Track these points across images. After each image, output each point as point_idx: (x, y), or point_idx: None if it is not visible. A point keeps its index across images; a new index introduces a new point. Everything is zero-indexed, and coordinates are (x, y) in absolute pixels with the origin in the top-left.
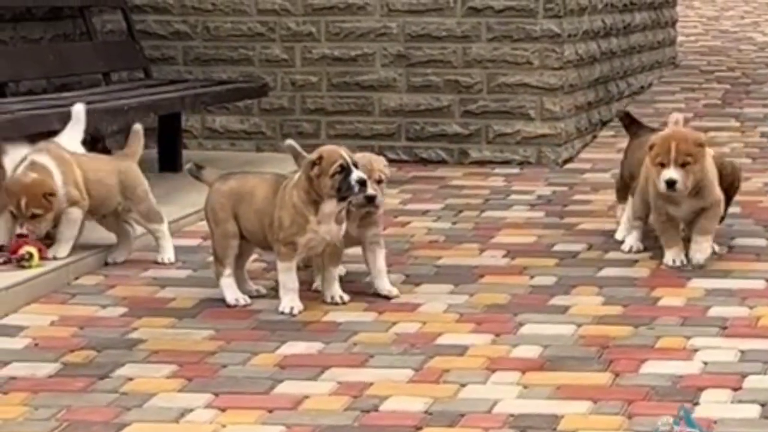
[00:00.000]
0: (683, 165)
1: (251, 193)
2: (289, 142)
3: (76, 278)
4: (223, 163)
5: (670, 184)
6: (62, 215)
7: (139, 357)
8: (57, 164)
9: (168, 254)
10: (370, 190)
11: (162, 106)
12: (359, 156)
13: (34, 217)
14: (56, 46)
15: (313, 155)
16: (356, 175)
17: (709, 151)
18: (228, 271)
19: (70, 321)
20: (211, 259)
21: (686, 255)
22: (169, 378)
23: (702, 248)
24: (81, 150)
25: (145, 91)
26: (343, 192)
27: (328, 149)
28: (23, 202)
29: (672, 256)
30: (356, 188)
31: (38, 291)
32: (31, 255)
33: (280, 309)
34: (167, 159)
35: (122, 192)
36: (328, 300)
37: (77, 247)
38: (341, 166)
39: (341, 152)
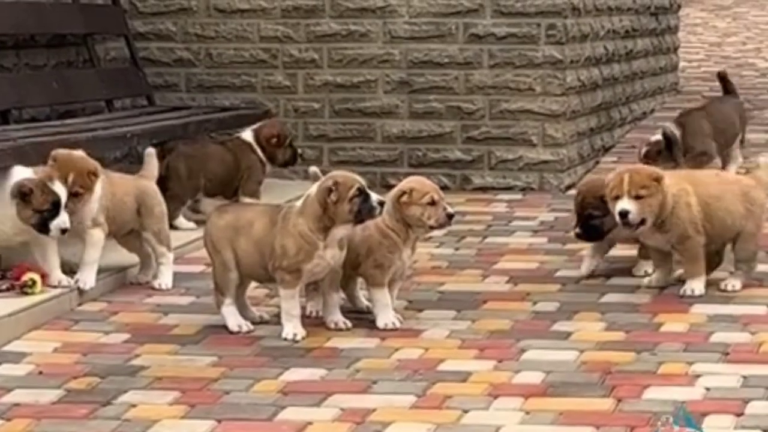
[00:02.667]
0: (637, 197)
1: (249, 226)
2: (313, 169)
3: (79, 305)
4: None
5: (623, 215)
6: (85, 237)
7: (142, 383)
8: (102, 182)
9: (165, 280)
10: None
11: (165, 132)
12: (409, 179)
13: (76, 195)
14: (59, 73)
15: (328, 182)
16: (375, 197)
17: (688, 190)
18: (229, 299)
19: (74, 347)
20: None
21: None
22: (172, 404)
23: (692, 288)
24: None
25: (148, 118)
26: (363, 214)
27: (340, 174)
28: (71, 178)
29: (656, 277)
30: (378, 210)
31: (41, 317)
32: (33, 281)
33: (283, 335)
34: None
35: (139, 211)
36: (331, 326)
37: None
38: (359, 189)
39: (355, 176)
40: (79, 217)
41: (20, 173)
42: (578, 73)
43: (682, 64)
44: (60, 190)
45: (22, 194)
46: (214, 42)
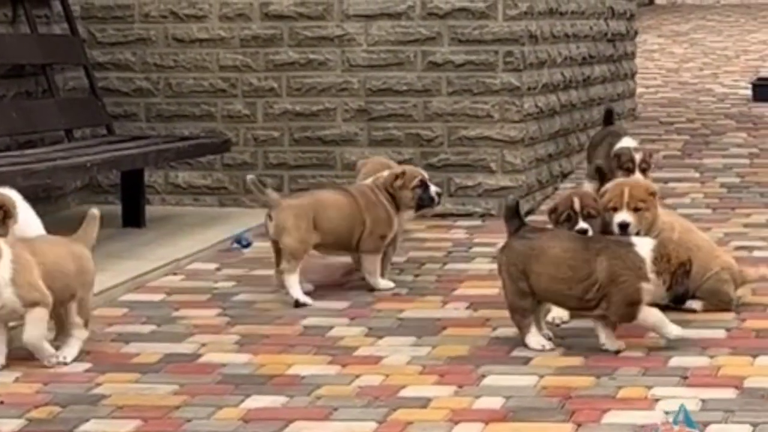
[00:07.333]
0: (636, 210)
1: (333, 203)
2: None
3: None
4: (186, 219)
5: (623, 226)
6: (26, 315)
7: (104, 412)
8: (11, 259)
9: (71, 352)
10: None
11: (125, 162)
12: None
13: None
14: (19, 104)
15: (396, 170)
16: (434, 188)
17: (674, 227)
18: (296, 270)
19: (34, 377)
20: (174, 314)
21: None
22: None
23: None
24: (41, 230)
25: (107, 147)
26: (424, 203)
27: (408, 167)
28: None
29: None
30: (437, 200)
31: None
32: None
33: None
34: (130, 214)
35: (76, 278)
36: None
37: None
38: (421, 180)
39: (419, 170)
40: None
41: None
42: (536, 100)
43: (639, 90)
44: None
45: None
46: (173, 71)
